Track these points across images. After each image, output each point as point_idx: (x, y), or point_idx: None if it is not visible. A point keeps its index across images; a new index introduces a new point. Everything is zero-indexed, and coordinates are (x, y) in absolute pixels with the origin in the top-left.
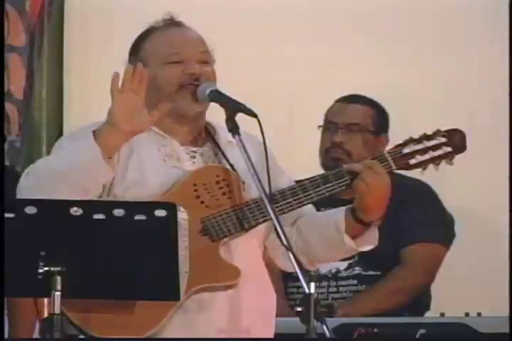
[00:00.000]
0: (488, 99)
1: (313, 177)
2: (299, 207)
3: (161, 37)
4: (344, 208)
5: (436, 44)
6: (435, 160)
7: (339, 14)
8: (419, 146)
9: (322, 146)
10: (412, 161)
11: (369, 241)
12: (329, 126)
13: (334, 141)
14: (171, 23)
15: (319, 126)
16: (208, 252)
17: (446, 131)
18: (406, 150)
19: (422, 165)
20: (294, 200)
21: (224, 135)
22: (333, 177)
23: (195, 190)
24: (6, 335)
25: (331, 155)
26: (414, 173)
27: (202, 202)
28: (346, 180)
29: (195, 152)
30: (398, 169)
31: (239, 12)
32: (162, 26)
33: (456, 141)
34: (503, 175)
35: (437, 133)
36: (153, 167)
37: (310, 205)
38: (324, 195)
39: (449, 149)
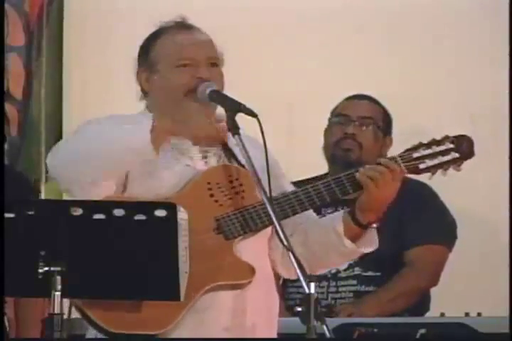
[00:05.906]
0: (489, 101)
1: (327, 180)
2: (311, 206)
3: (171, 39)
4: (341, 213)
5: (436, 44)
6: (444, 166)
7: (339, 15)
8: (429, 151)
9: (332, 138)
10: (422, 166)
11: (369, 243)
12: (341, 119)
13: (347, 132)
14: (182, 26)
15: (329, 120)
16: (222, 250)
17: (455, 137)
18: (416, 154)
19: (432, 170)
20: (308, 201)
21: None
22: (346, 178)
23: (209, 189)
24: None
25: (342, 146)
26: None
27: (216, 201)
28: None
29: (207, 152)
30: (408, 173)
31: (239, 12)
32: (172, 28)
33: (464, 147)
34: (503, 176)
35: (446, 139)
36: (167, 166)
37: (309, 213)
38: (337, 196)
39: (456, 155)
